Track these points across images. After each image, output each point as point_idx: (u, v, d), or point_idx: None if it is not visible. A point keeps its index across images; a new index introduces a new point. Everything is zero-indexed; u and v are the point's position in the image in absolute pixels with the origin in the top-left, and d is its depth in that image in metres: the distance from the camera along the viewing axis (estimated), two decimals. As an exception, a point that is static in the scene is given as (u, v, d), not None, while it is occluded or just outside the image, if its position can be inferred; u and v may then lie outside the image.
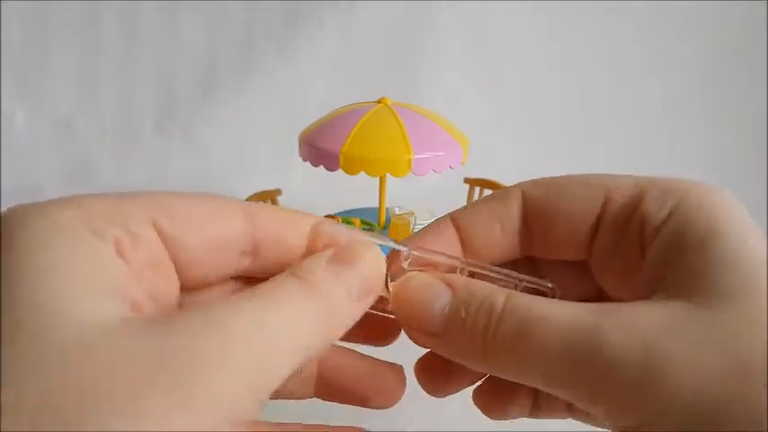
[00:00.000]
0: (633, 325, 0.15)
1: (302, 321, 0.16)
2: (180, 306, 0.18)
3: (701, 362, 0.14)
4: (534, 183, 0.22)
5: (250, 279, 0.20)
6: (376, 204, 1.10)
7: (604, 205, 0.20)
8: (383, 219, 1.07)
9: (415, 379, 0.25)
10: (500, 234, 0.22)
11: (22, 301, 0.14)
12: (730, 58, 1.80)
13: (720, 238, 0.16)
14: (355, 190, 1.47)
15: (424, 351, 0.25)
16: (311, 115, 1.18)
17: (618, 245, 0.19)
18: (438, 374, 0.24)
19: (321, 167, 0.99)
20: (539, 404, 0.24)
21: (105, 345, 0.14)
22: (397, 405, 0.25)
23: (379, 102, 1.01)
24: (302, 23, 1.81)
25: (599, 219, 0.20)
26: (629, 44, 1.79)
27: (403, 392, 0.23)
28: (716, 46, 1.79)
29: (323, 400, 0.24)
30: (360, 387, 0.22)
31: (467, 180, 1.35)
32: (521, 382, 0.18)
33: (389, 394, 0.22)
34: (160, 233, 0.17)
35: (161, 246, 0.17)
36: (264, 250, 0.19)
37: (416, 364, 0.24)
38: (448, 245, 0.23)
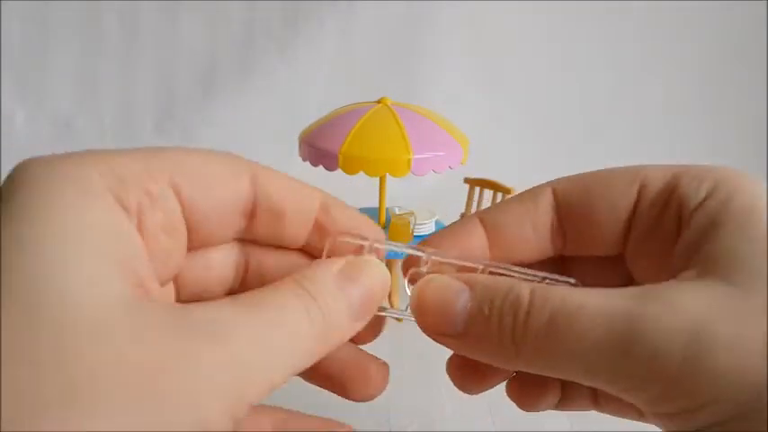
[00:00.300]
0: (676, 309, 0.15)
1: (296, 339, 0.16)
2: (184, 270, 0.18)
3: (747, 344, 0.14)
4: (566, 179, 0.22)
5: (254, 242, 0.20)
6: (376, 204, 1.09)
7: (640, 192, 0.20)
8: (383, 219, 1.07)
9: (447, 376, 0.25)
10: (531, 233, 0.22)
11: (22, 269, 0.13)
12: (730, 58, 1.80)
13: (758, 218, 0.15)
14: (355, 190, 1.47)
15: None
16: (311, 115, 1.18)
17: (654, 230, 0.19)
18: (472, 371, 0.23)
19: (321, 167, 0.99)
20: (566, 396, 0.23)
21: (97, 333, 0.13)
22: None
23: (378, 102, 1.01)
24: (302, 23, 1.81)
25: (635, 206, 0.20)
26: (629, 44, 1.79)
27: (384, 388, 0.23)
28: (716, 46, 1.79)
29: (304, 380, 0.23)
30: (342, 374, 0.22)
31: (467, 180, 1.35)
32: (554, 376, 0.17)
33: (370, 387, 0.22)
34: (177, 195, 0.17)
35: (178, 208, 0.17)
36: (261, 215, 0.19)
37: (449, 361, 0.24)
38: (476, 245, 0.23)
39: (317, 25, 1.79)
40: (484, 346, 0.18)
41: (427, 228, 1.06)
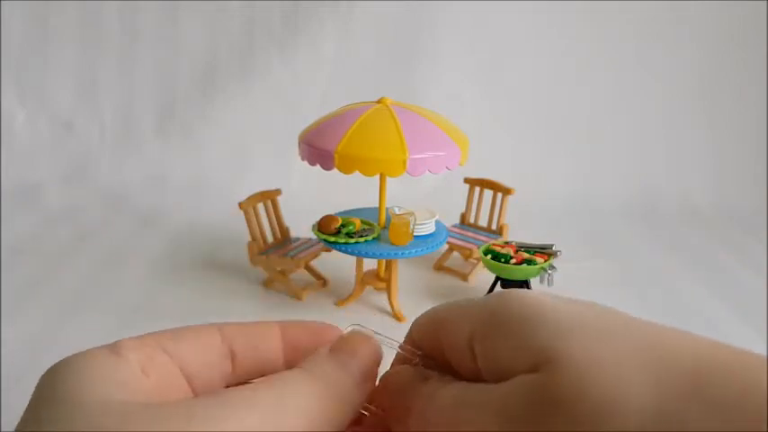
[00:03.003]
0: (490, 397, 0.17)
1: (314, 408, 0.19)
2: None
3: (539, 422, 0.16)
4: (422, 317, 0.24)
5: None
6: (376, 204, 1.09)
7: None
8: (383, 219, 1.07)
9: None
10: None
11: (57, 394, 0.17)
12: (730, 59, 1.80)
13: (519, 325, 0.18)
14: (355, 190, 1.47)
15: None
16: (311, 115, 1.18)
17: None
18: None
19: (319, 167, 0.99)
20: None
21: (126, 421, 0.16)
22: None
23: (379, 102, 1.01)
24: (302, 23, 1.82)
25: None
26: (629, 45, 1.79)
27: None
28: (715, 46, 1.79)
29: None
30: None
31: (467, 180, 1.35)
32: None
33: None
34: (168, 355, 0.21)
35: (173, 363, 0.21)
36: (240, 358, 0.22)
37: None
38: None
39: (317, 25, 1.79)
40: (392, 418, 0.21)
41: (427, 228, 1.06)
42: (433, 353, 0.23)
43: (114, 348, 0.20)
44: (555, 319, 0.17)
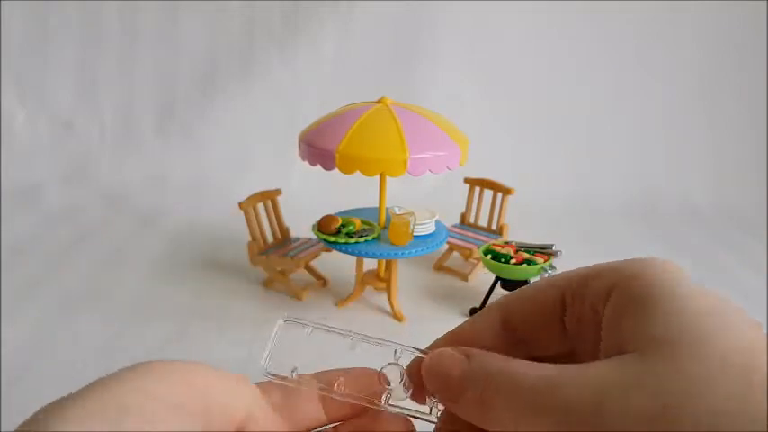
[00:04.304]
0: (584, 376, 0.17)
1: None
2: None
3: (634, 405, 0.15)
4: (509, 297, 0.24)
5: None
6: (376, 204, 1.09)
7: (563, 300, 0.22)
8: (383, 219, 1.07)
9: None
10: (490, 343, 0.24)
11: None
12: (730, 59, 1.80)
13: (651, 301, 0.18)
14: (355, 190, 1.48)
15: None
16: (311, 115, 1.18)
17: (582, 329, 0.21)
18: None
19: (319, 167, 0.99)
20: None
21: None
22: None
23: (379, 102, 1.01)
24: (302, 23, 1.82)
25: (562, 314, 0.22)
26: (629, 45, 1.79)
27: None
28: (716, 46, 1.79)
29: None
30: None
31: (467, 180, 1.35)
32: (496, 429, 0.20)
33: None
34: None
35: None
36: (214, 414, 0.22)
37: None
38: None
39: (317, 25, 1.80)
40: (465, 409, 0.21)
41: (427, 228, 1.06)
42: (514, 330, 0.22)
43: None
44: (677, 311, 0.17)
